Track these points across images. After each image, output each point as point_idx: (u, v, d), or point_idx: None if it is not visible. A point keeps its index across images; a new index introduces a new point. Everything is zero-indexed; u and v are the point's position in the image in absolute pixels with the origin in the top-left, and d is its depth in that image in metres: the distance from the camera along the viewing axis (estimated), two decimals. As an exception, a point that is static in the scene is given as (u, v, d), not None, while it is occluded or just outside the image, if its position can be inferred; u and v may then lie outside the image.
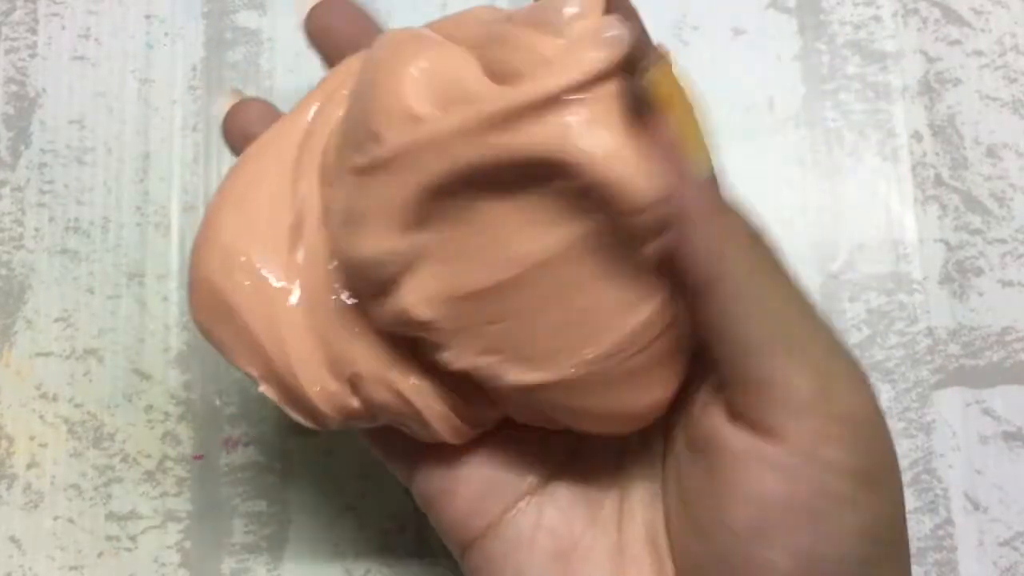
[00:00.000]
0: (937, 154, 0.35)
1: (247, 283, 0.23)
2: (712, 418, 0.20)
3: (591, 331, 0.20)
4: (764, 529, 0.19)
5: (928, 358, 0.33)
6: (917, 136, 0.35)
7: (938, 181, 0.34)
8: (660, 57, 0.19)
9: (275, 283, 0.23)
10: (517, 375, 0.21)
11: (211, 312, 0.24)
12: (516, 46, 0.19)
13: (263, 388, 0.24)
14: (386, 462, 0.25)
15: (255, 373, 0.24)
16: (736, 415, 0.20)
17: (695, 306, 0.20)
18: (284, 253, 0.23)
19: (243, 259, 0.23)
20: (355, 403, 0.23)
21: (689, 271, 0.19)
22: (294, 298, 0.23)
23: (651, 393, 0.21)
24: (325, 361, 0.23)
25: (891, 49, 0.35)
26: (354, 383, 0.23)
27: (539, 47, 0.19)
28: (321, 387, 0.23)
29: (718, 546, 0.20)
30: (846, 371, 0.20)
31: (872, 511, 0.19)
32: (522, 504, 0.23)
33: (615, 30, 0.19)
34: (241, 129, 0.26)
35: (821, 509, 0.19)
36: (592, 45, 0.19)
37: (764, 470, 0.19)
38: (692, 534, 0.21)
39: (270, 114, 0.26)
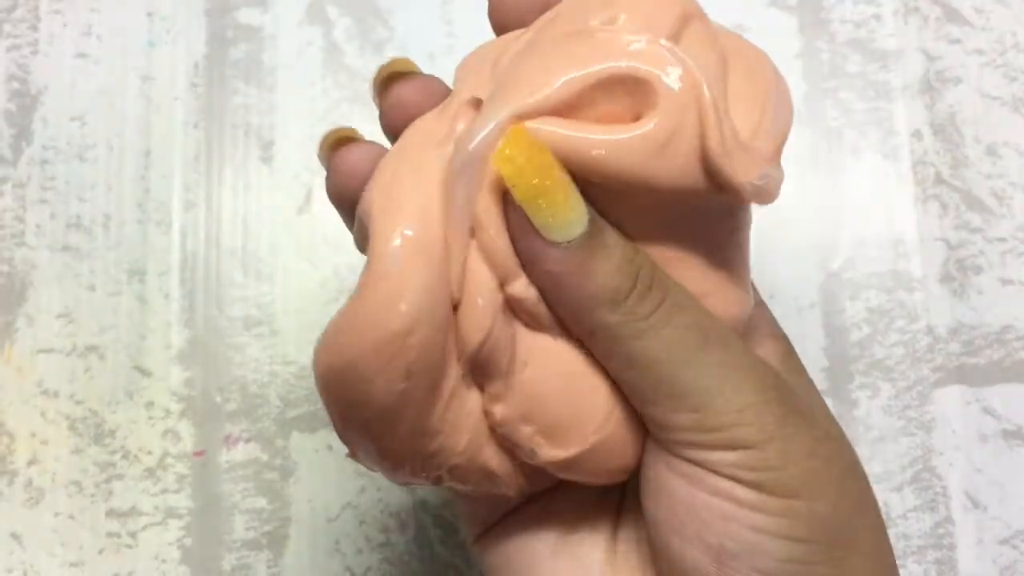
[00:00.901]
0: (937, 152, 0.35)
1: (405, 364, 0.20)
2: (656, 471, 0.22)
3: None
4: (674, 523, 0.20)
5: (928, 356, 0.33)
6: (918, 134, 0.35)
7: (938, 179, 0.35)
8: (509, 132, 0.19)
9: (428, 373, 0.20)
10: (548, 453, 0.21)
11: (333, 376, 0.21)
12: None
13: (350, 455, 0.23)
14: None
15: (351, 448, 0.22)
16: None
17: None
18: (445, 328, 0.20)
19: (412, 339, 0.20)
20: (431, 480, 0.22)
21: (568, 325, 0.20)
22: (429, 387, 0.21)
23: (627, 453, 0.22)
24: (418, 455, 0.21)
25: (892, 47, 0.35)
26: (442, 475, 0.22)
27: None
28: (403, 473, 0.22)
29: (650, 542, 0.21)
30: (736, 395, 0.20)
31: (787, 516, 0.20)
32: (529, 502, 0.24)
33: None
34: (403, 109, 0.22)
35: (726, 510, 0.20)
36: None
37: (672, 475, 0.20)
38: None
39: (437, 92, 0.23)
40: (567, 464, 0.21)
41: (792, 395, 0.21)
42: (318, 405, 0.33)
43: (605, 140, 0.19)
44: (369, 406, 0.20)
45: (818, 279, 0.34)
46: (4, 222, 0.35)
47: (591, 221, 0.20)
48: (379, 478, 0.33)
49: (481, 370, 0.21)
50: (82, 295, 0.35)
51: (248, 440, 0.33)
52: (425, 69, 0.25)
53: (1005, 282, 0.34)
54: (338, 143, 0.22)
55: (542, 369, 0.21)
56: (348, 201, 0.22)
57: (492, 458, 0.22)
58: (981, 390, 0.33)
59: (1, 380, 0.34)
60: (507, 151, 0.19)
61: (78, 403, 0.34)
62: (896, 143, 0.35)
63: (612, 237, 0.20)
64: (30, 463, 0.34)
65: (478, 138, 0.19)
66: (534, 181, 0.19)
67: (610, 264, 0.20)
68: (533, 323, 0.21)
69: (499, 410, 0.21)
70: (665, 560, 0.21)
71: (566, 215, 0.19)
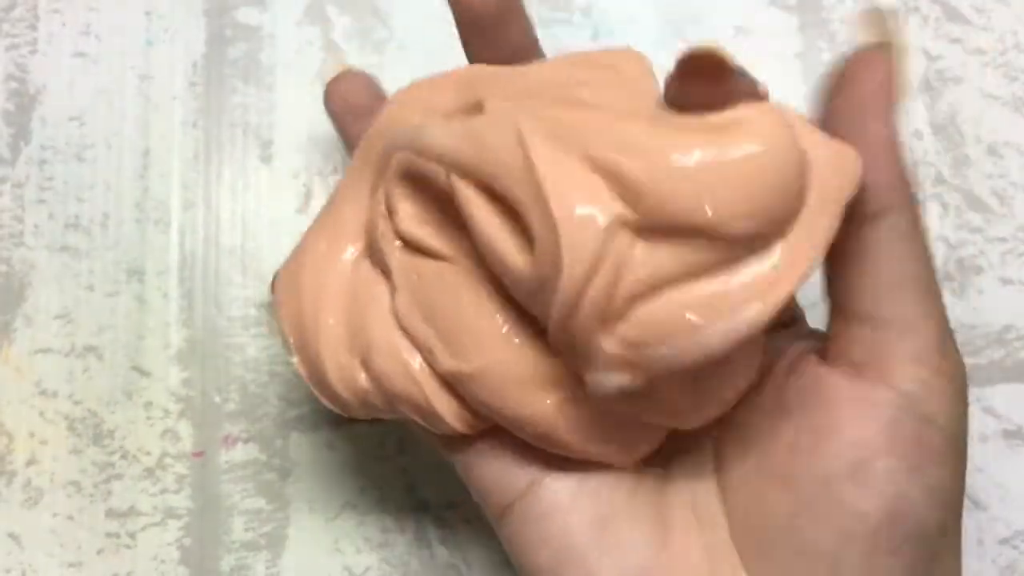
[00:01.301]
0: (938, 152, 0.35)
1: (321, 248, 0.25)
2: (807, 373, 0.21)
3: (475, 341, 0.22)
4: (861, 474, 0.19)
5: (928, 356, 0.33)
6: (918, 134, 0.35)
7: (939, 179, 0.34)
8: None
9: (339, 257, 0.25)
10: (445, 360, 0.22)
11: (286, 273, 0.26)
12: None
13: (295, 361, 0.25)
14: (423, 434, 0.25)
15: (291, 341, 0.25)
16: (838, 360, 0.21)
17: (847, 237, 0.20)
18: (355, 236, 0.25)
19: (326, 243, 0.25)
20: (365, 382, 0.23)
21: (868, 198, 0.20)
22: (342, 276, 0.24)
23: (531, 391, 0.22)
24: (346, 336, 0.24)
25: (892, 47, 0.35)
26: (366, 359, 0.23)
27: None
28: (337, 363, 0.24)
29: (805, 494, 0.20)
30: (951, 334, 0.21)
31: (954, 476, 0.19)
32: (557, 473, 0.23)
33: None
34: (343, 97, 0.27)
35: (917, 462, 0.19)
36: None
37: (868, 417, 0.19)
38: (773, 488, 0.21)
39: (374, 87, 0.28)
40: (467, 379, 0.22)
41: None
42: (318, 405, 0.33)
43: (505, 246, 0.20)
44: (301, 288, 0.25)
45: (819, 279, 0.34)
46: (2, 222, 0.35)
47: None
48: (379, 478, 0.33)
49: (377, 264, 0.24)
50: (81, 295, 0.34)
51: (247, 440, 0.33)
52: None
53: (1005, 282, 0.34)
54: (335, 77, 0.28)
55: (429, 282, 0.23)
56: (339, 122, 0.28)
57: (411, 357, 0.23)
58: (981, 390, 0.33)
59: (0, 380, 0.34)
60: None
61: (77, 403, 0.34)
62: (896, 143, 0.35)
63: None
64: (29, 463, 0.33)
65: (428, 133, 0.21)
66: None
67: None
68: (419, 251, 0.23)
69: (398, 300, 0.23)
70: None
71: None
